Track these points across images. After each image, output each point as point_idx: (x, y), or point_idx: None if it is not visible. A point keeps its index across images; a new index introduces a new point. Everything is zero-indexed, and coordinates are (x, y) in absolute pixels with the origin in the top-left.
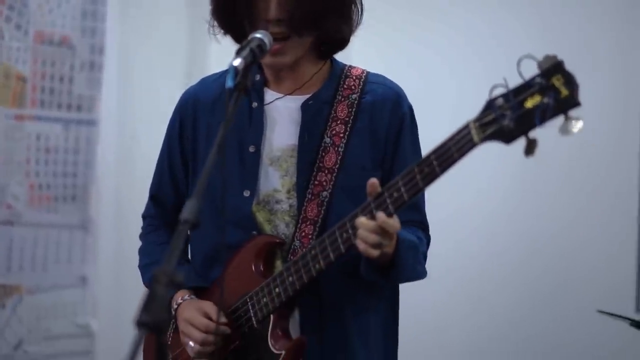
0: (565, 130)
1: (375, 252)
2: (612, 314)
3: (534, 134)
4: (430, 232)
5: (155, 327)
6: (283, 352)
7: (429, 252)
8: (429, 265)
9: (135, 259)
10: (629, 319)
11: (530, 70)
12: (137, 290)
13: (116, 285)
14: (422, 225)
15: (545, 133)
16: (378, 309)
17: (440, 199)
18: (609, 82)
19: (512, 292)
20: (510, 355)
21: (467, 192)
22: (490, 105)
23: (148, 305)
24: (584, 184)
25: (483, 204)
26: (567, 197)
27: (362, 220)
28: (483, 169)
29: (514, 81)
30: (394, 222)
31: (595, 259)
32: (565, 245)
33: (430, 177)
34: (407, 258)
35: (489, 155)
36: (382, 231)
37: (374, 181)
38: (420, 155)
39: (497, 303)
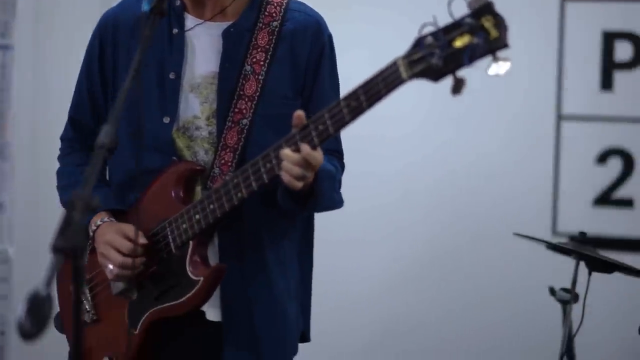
0: (493, 70)
1: (299, 184)
2: (528, 237)
3: (461, 73)
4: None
5: (72, 252)
6: (201, 279)
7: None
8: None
9: (52, 185)
10: (545, 241)
11: (461, 11)
12: (53, 216)
13: (33, 211)
14: (338, 154)
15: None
16: (294, 237)
17: None
18: (527, 18)
19: (432, 214)
20: (432, 275)
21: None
22: (419, 43)
23: (64, 230)
24: (502, 111)
25: (405, 128)
26: (486, 123)
27: (286, 152)
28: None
29: (445, 21)
30: (318, 155)
31: (513, 184)
32: (484, 170)
33: (357, 111)
34: (326, 188)
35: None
36: (306, 164)
37: (300, 113)
38: (338, 84)
39: (418, 225)
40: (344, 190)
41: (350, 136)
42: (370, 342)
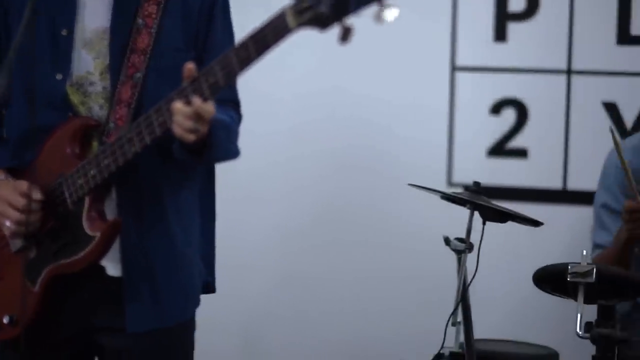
0: (379, 17)
1: (191, 137)
2: (423, 187)
3: (349, 21)
4: None
5: None
6: (97, 234)
7: None
8: None
9: None
10: (439, 191)
11: None
12: None
13: None
14: (234, 104)
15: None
16: (194, 189)
17: None
18: None
19: (327, 167)
20: (328, 228)
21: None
22: None
23: None
24: (396, 63)
25: (298, 86)
26: (380, 75)
27: (178, 105)
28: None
29: None
30: (209, 108)
31: (407, 135)
32: (378, 122)
33: (247, 61)
34: (221, 139)
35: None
36: (198, 117)
37: (190, 65)
38: (232, 34)
39: (314, 179)
40: (242, 147)
41: (245, 93)
42: (269, 296)
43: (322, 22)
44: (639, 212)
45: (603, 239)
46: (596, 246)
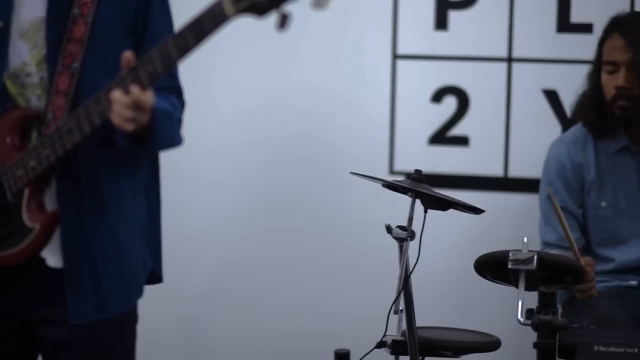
0: (317, 4)
1: (130, 126)
2: (364, 175)
3: (286, 8)
4: None
5: None
6: (37, 226)
7: None
8: None
9: None
10: (381, 179)
11: None
12: None
13: None
14: (176, 91)
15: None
16: (138, 176)
17: None
18: None
19: (270, 154)
20: (271, 215)
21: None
22: None
23: None
24: (338, 51)
25: (243, 73)
26: (323, 63)
27: (116, 95)
28: (240, 43)
29: None
30: (148, 97)
31: (350, 124)
32: (320, 110)
33: (185, 49)
34: (163, 127)
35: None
36: (137, 106)
37: (128, 54)
38: (171, 22)
39: (256, 165)
40: (186, 130)
41: (190, 80)
42: (212, 284)
43: (259, 10)
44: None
45: (551, 236)
46: (545, 244)
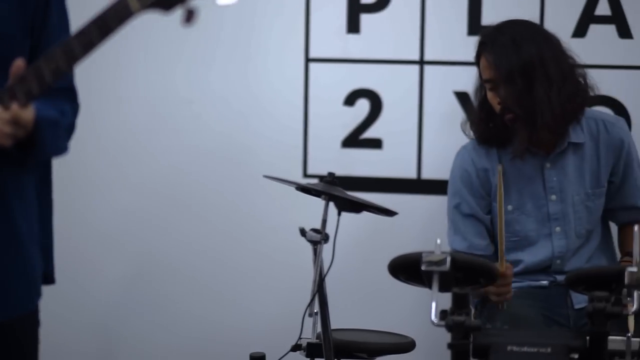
0: (223, 1)
1: (8, 142)
2: (278, 179)
3: (192, 3)
4: None
5: None
6: None
7: None
8: None
9: None
10: (294, 182)
11: None
12: None
13: None
14: (69, 93)
15: None
16: (33, 177)
17: None
18: None
19: (180, 156)
20: (181, 216)
21: None
22: None
23: None
24: (251, 55)
25: (145, 77)
26: (234, 67)
27: None
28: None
29: None
30: (27, 114)
31: (263, 127)
32: (233, 114)
33: (89, 46)
34: (47, 137)
35: None
36: (15, 122)
37: (19, 62)
38: (68, 23)
39: (164, 166)
40: (99, 133)
41: (103, 83)
42: (122, 288)
43: (165, 5)
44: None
45: (460, 244)
46: (471, 248)
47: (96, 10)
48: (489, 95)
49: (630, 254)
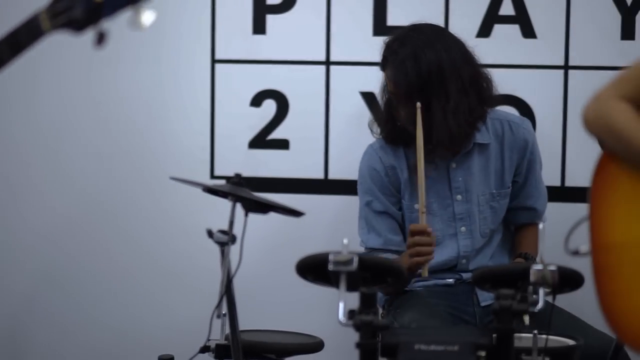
0: (135, 23)
1: None
2: (184, 180)
3: (104, 26)
4: None
5: None
6: None
7: None
8: None
9: None
10: (200, 184)
11: None
12: None
13: None
14: None
15: None
16: None
17: None
18: None
19: (89, 161)
20: (90, 222)
21: None
22: None
23: None
24: (158, 56)
25: (58, 83)
26: (142, 69)
27: None
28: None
29: None
30: None
31: (170, 129)
32: (141, 116)
33: (0, 63)
34: None
35: None
36: None
37: None
38: None
39: (75, 172)
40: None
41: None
42: (29, 294)
43: (76, 26)
44: (421, 233)
45: (375, 241)
46: (371, 250)
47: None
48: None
49: (522, 256)
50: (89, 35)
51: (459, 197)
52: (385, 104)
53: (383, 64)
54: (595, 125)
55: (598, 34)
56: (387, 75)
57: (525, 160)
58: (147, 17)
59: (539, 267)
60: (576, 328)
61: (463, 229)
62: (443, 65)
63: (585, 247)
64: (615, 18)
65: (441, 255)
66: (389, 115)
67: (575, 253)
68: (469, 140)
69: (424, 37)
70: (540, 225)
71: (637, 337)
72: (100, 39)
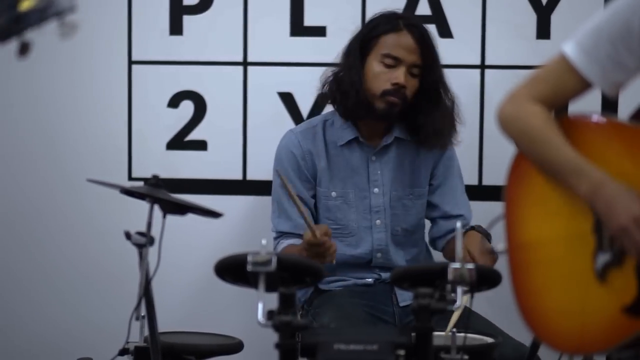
0: (61, 33)
1: None
2: (102, 182)
3: (27, 36)
4: None
5: None
6: None
7: None
8: None
9: None
10: (118, 185)
11: None
12: None
13: None
14: None
15: None
16: None
17: None
18: None
19: (8, 165)
20: (7, 225)
21: None
22: None
23: None
24: (75, 56)
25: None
26: (58, 70)
27: None
28: None
29: None
30: None
31: (87, 131)
32: (57, 115)
33: None
34: None
35: None
36: None
37: None
38: None
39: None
40: None
41: None
42: None
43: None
44: (316, 246)
45: (285, 225)
46: (280, 233)
47: None
48: (380, 69)
49: (474, 229)
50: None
51: (376, 190)
52: (352, 73)
53: (393, 27)
54: (509, 128)
55: (514, 33)
56: (415, 44)
57: (442, 163)
58: (71, 29)
59: (456, 265)
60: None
61: (378, 222)
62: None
63: (501, 245)
64: (530, 17)
65: (356, 247)
66: (353, 87)
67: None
68: (390, 133)
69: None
70: (458, 224)
71: (551, 335)
72: (24, 49)
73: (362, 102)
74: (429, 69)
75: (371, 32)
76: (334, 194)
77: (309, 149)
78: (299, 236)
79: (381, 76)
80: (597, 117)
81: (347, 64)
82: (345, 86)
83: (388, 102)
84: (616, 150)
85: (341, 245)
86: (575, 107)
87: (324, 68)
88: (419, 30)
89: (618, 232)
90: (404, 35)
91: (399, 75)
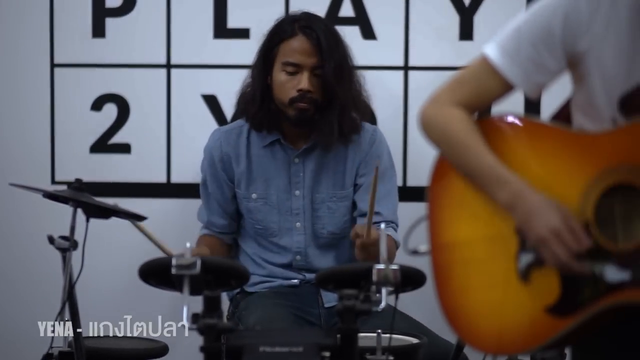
0: None
1: None
2: (24, 186)
3: None
4: None
5: None
6: None
7: None
8: None
9: None
10: (40, 189)
11: None
12: None
13: None
14: None
15: None
16: None
17: None
18: None
19: None
20: None
21: None
22: None
23: None
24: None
25: None
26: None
27: None
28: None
29: None
30: None
31: (9, 135)
32: None
33: None
34: None
35: None
36: None
37: None
38: None
39: None
40: None
41: None
42: None
43: None
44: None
45: (203, 217)
46: (209, 224)
47: None
48: (284, 78)
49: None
50: None
51: (297, 192)
52: (259, 84)
53: (288, 32)
54: (430, 131)
55: (437, 34)
56: (310, 46)
57: (365, 163)
58: None
59: (381, 266)
60: (419, 332)
61: (298, 224)
62: (347, 51)
63: (424, 246)
64: (453, 19)
65: (279, 249)
66: (264, 99)
67: (415, 252)
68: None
69: (326, 21)
70: (382, 225)
71: (472, 335)
72: None
73: (273, 112)
74: (328, 68)
75: (271, 41)
76: (254, 195)
77: (228, 152)
78: (214, 233)
79: (286, 84)
80: (518, 119)
81: (253, 77)
82: (253, 100)
83: (298, 108)
84: (536, 153)
85: (262, 251)
86: (499, 108)
87: (247, 70)
88: (313, 31)
89: (537, 243)
90: (300, 39)
91: (302, 80)
